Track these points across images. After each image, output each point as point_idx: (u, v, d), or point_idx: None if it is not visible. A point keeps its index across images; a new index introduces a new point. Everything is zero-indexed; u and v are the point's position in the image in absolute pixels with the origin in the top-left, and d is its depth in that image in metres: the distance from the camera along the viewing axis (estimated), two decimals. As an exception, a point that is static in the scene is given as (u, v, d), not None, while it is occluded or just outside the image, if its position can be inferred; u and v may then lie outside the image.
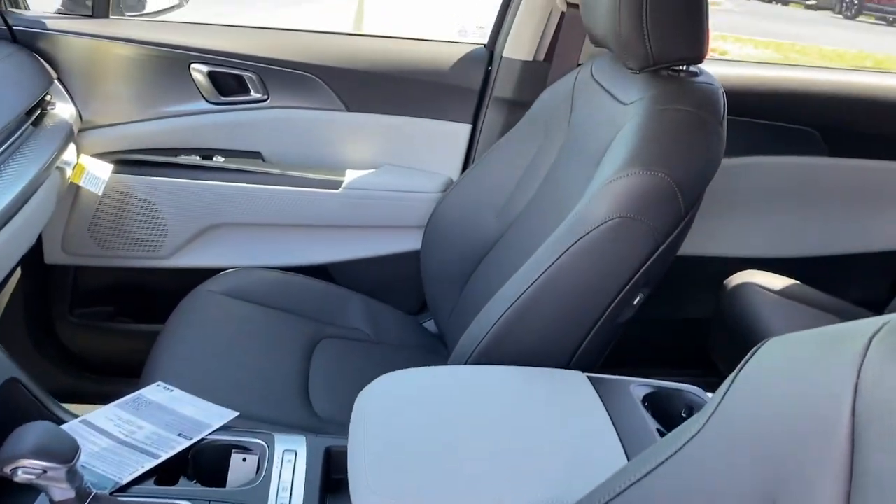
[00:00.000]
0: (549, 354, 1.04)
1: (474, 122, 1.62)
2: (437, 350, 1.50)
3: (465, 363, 1.04)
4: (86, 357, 1.67)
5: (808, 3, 16.32)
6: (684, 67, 1.11)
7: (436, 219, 1.47)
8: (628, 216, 0.98)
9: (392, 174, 1.63)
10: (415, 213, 1.61)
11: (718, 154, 1.05)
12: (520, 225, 1.33)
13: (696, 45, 1.06)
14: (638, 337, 1.31)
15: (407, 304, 1.67)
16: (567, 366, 1.05)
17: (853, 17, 14.83)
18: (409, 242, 1.64)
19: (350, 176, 1.60)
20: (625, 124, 1.08)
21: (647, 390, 0.99)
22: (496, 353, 1.03)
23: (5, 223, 1.11)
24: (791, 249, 1.76)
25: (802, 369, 0.51)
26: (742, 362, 0.56)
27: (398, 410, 0.90)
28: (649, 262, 1.01)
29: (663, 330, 1.72)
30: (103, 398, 1.67)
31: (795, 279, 1.60)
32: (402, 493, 0.75)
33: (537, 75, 1.55)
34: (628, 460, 0.85)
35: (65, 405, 1.64)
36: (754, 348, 0.56)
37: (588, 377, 0.99)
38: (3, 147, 1.18)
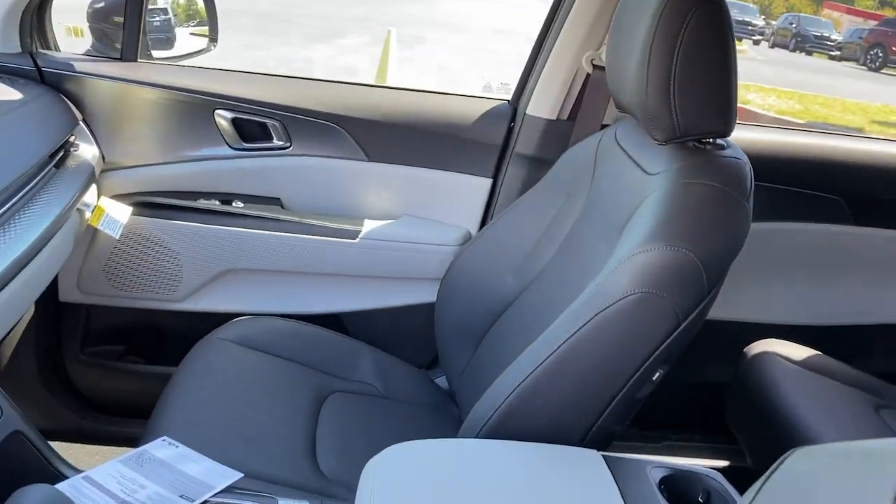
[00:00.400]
0: (563, 430, 1.01)
1: (495, 177, 1.61)
2: (447, 408, 1.47)
3: (477, 435, 1.02)
4: (94, 396, 1.66)
5: (832, 53, 16.37)
6: (711, 140, 1.09)
7: (452, 273, 1.46)
8: (650, 291, 0.96)
9: (410, 226, 1.62)
10: (432, 265, 1.60)
11: (744, 230, 1.03)
12: (537, 286, 1.31)
13: (724, 119, 1.04)
14: (653, 399, 1.29)
15: (419, 358, 1.65)
16: (582, 441, 1.02)
17: (877, 70, 14.85)
18: (425, 295, 1.62)
19: (368, 226, 1.59)
20: (648, 195, 1.06)
21: (664, 472, 0.96)
22: (509, 427, 1.00)
23: (24, 266, 1.11)
24: (813, 318, 1.72)
25: (832, 489, 0.48)
26: (770, 470, 0.54)
27: (406, 486, 0.87)
28: (670, 339, 0.98)
29: (679, 393, 1.68)
30: (110, 439, 1.66)
31: (816, 348, 1.56)
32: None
33: (560, 134, 1.54)
34: (642, 552, 0.82)
35: (70, 444, 1.64)
36: (783, 456, 0.54)
37: (603, 456, 0.96)
38: (25, 190, 1.18)
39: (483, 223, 1.63)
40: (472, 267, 1.43)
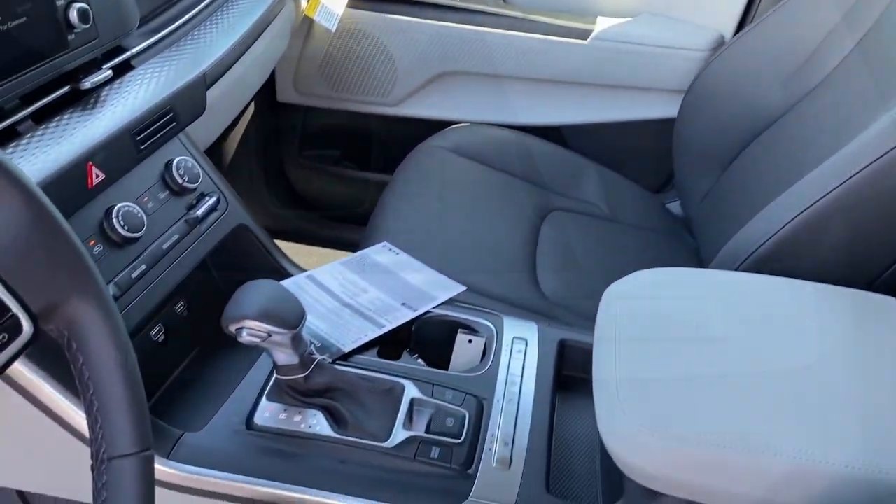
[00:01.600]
0: (847, 271, 0.83)
1: (763, -34, 1.32)
2: (680, 237, 1.32)
3: (737, 268, 0.86)
4: (312, 198, 1.67)
5: None
6: None
7: (700, 83, 1.25)
8: None
9: (651, 25, 1.39)
10: (673, 74, 1.38)
11: None
12: (814, 102, 1.07)
13: None
14: None
15: (648, 181, 1.48)
16: (868, 287, 0.84)
17: None
18: (663, 108, 1.42)
19: (601, 25, 1.38)
20: None
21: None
22: (779, 262, 0.84)
23: (241, 55, 1.05)
24: None
25: None
26: None
27: (659, 318, 0.74)
28: None
29: None
30: (327, 241, 1.68)
31: None
32: (667, 425, 0.61)
33: None
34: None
35: (288, 243, 1.68)
36: None
37: (904, 308, 0.77)
38: (241, -28, 1.10)
39: (742, 24, 1.37)
40: (725, 77, 1.21)
